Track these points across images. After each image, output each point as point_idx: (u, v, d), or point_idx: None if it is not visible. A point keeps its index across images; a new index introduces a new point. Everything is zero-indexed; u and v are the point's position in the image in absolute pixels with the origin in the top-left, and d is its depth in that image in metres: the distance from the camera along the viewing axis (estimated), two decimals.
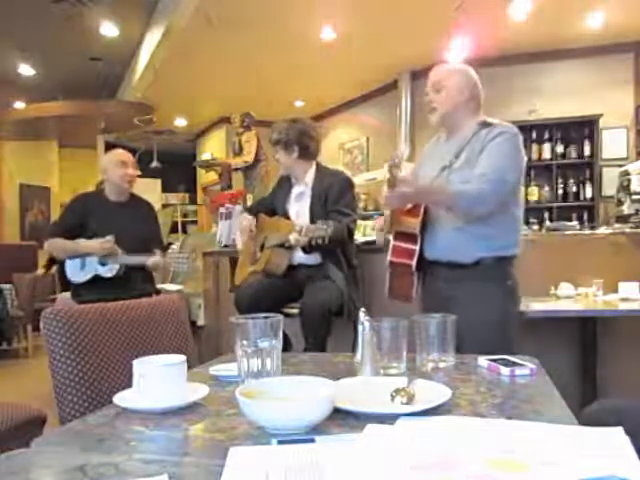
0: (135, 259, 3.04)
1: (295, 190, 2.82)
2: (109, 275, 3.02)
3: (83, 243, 3.04)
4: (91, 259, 3.04)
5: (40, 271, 5.92)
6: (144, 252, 3.13)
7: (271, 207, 2.90)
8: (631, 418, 1.10)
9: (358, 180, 5.47)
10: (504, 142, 1.94)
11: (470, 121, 2.05)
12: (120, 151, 3.32)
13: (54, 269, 5.46)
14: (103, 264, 3.03)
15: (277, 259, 2.70)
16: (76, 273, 3.13)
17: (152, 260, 3.06)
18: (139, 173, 3.26)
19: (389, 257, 2.07)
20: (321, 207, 2.67)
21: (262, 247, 2.81)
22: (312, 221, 2.62)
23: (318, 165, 2.82)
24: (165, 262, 3.10)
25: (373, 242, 3.10)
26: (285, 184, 2.89)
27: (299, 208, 2.77)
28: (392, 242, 2.08)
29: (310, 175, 2.78)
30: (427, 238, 2.03)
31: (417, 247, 2.02)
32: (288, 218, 2.77)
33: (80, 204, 3.20)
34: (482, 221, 1.94)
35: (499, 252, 1.98)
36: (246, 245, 2.90)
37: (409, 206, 2.03)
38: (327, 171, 2.83)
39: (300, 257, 2.67)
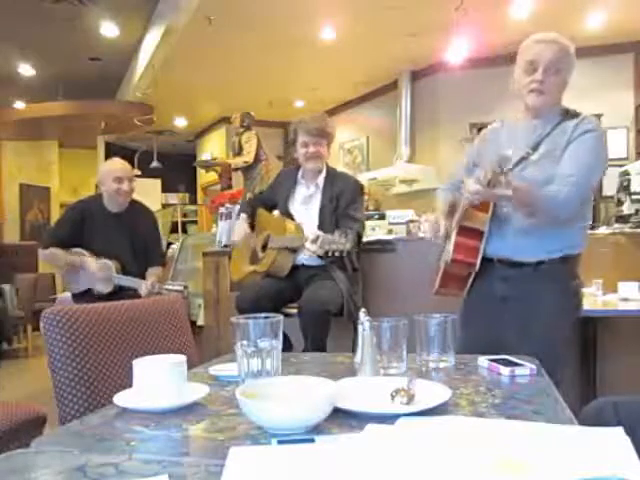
0: (129, 282, 2.97)
1: (302, 191, 2.75)
2: (105, 292, 2.97)
3: (85, 259, 2.99)
4: (88, 274, 3.00)
5: None
6: (143, 264, 3.09)
7: (271, 203, 2.83)
8: (629, 414, 1.11)
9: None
10: (594, 140, 1.78)
11: (554, 107, 1.86)
12: (117, 165, 3.15)
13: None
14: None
15: (282, 261, 2.64)
16: (71, 285, 3.12)
17: (145, 291, 2.91)
18: (135, 187, 3.12)
19: (451, 255, 1.88)
20: (331, 212, 2.63)
21: (263, 246, 2.74)
22: (321, 225, 2.58)
23: (327, 166, 2.77)
24: (160, 287, 2.93)
25: (373, 242, 3.10)
26: (287, 182, 2.80)
27: (306, 211, 2.70)
28: (455, 238, 1.89)
29: (322, 176, 2.72)
30: (491, 235, 1.88)
31: (482, 245, 1.86)
32: (291, 218, 2.70)
33: (77, 217, 3.09)
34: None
35: (565, 251, 1.84)
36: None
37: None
38: (337, 174, 2.79)
39: (303, 257, 2.64)
